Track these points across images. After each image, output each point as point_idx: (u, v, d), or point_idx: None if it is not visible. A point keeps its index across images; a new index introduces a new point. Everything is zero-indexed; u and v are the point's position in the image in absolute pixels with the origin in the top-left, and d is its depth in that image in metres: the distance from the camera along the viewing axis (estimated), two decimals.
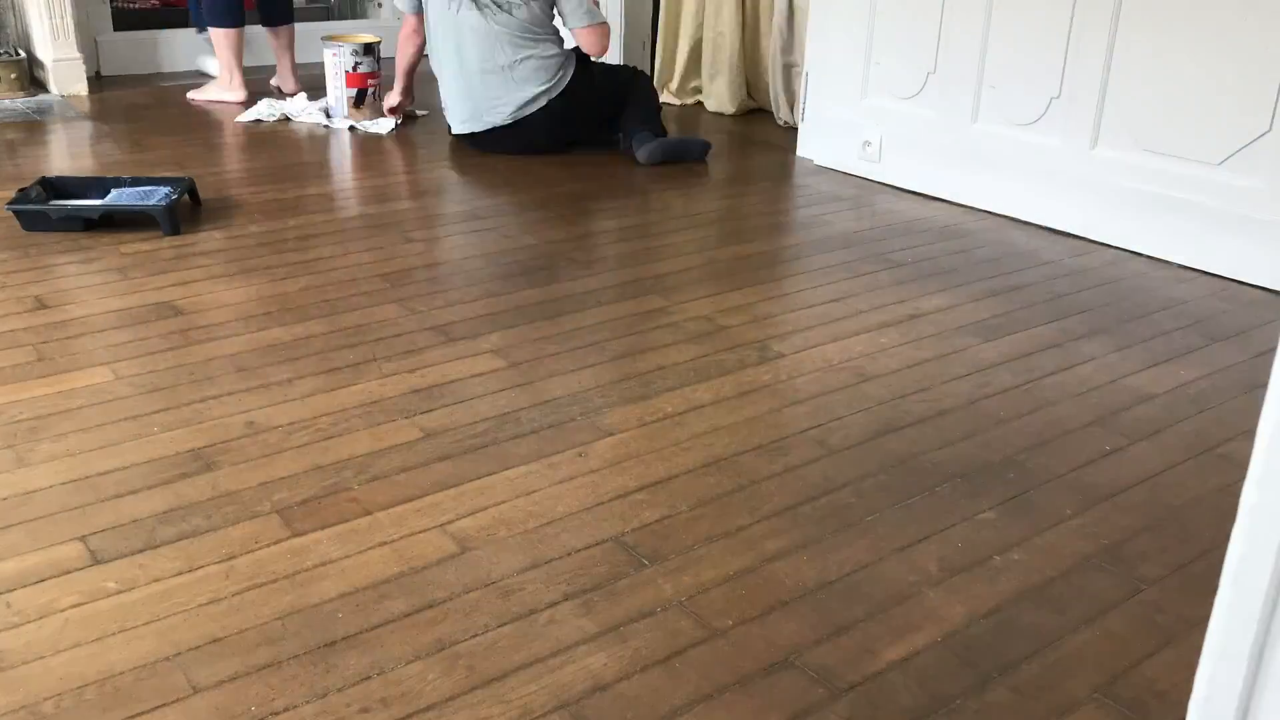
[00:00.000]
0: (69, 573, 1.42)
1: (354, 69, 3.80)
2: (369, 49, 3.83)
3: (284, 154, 3.48)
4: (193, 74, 4.65)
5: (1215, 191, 2.62)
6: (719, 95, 4.29)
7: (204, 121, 3.89)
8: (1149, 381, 2.08)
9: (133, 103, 4.14)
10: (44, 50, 4.18)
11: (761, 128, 4.10)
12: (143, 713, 1.20)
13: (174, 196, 2.79)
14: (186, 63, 4.72)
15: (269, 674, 1.26)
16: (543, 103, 3.44)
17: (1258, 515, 0.67)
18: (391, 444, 1.77)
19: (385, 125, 3.82)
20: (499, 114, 3.46)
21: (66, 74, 4.18)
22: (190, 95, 4.16)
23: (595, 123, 3.60)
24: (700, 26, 4.30)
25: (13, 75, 4.13)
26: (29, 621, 1.33)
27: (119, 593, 1.39)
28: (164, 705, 1.21)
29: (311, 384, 1.96)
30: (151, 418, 1.82)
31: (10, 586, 1.39)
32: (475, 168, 3.44)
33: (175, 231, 2.70)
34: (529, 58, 3.41)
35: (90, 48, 4.42)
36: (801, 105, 3.70)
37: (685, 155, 3.54)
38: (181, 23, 4.89)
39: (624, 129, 3.56)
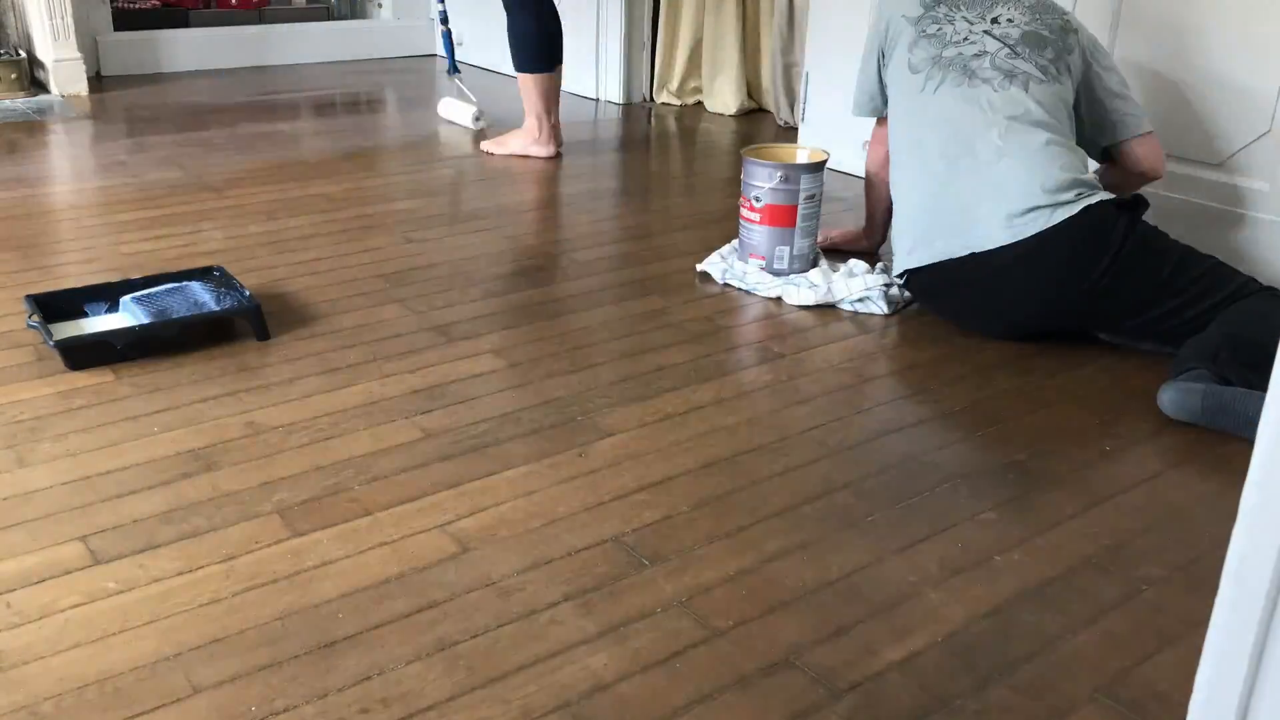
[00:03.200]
0: (69, 573, 1.42)
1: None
2: (787, 176, 2.47)
3: (283, 153, 3.48)
4: (192, 74, 4.66)
5: (1215, 191, 2.62)
6: (719, 95, 4.29)
7: (205, 121, 3.89)
8: (1149, 381, 2.08)
9: (133, 103, 4.14)
10: (44, 50, 4.18)
11: (761, 128, 4.10)
12: (143, 713, 1.20)
13: (249, 295, 2.19)
14: (186, 63, 4.72)
15: (269, 674, 1.26)
16: (1040, 224, 2.10)
17: (1258, 515, 0.67)
18: (391, 444, 1.77)
19: (864, 293, 2.38)
20: (960, 236, 2.19)
21: (67, 74, 4.18)
22: (486, 146, 3.55)
23: (1135, 309, 2.14)
24: (700, 26, 4.30)
25: (13, 75, 4.14)
26: (29, 621, 1.33)
27: (119, 593, 1.39)
28: (164, 705, 1.21)
29: (311, 384, 1.96)
30: (151, 418, 1.82)
31: (10, 586, 1.39)
32: (490, 170, 3.44)
33: (266, 336, 2.13)
34: (1029, 144, 2.18)
35: (90, 48, 4.42)
36: (801, 105, 3.70)
37: (1237, 426, 1.87)
38: (182, 23, 4.89)
39: (1184, 351, 2.01)
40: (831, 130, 3.49)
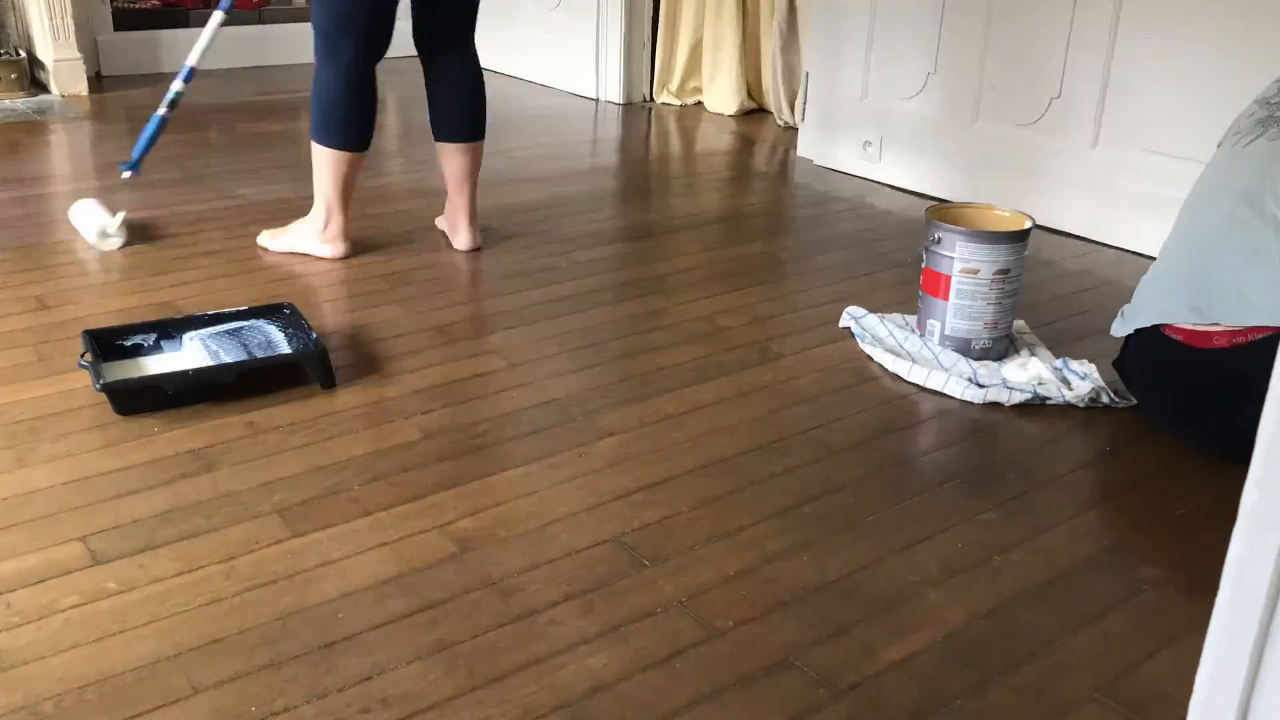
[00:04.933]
0: (69, 573, 1.42)
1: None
2: (941, 239, 2.07)
3: (283, 153, 3.48)
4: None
5: None
6: (719, 95, 4.29)
7: (205, 121, 3.89)
8: None
9: (133, 103, 4.13)
10: (44, 50, 4.18)
11: (761, 128, 4.10)
12: (143, 713, 1.20)
13: (316, 338, 2.00)
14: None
15: (269, 674, 1.26)
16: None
17: (1258, 515, 0.67)
18: (391, 444, 1.77)
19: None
20: (1188, 301, 1.78)
21: (67, 74, 4.18)
22: (262, 239, 2.68)
23: None
24: (700, 26, 4.30)
25: (13, 75, 4.13)
26: (29, 621, 1.33)
27: (119, 593, 1.39)
28: (164, 705, 1.21)
29: (311, 384, 1.96)
30: (151, 418, 1.82)
31: (10, 586, 1.39)
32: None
33: (332, 384, 1.96)
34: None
35: (90, 48, 4.42)
36: (801, 105, 3.70)
37: None
38: (182, 23, 4.89)
39: None
40: (831, 129, 3.49)
